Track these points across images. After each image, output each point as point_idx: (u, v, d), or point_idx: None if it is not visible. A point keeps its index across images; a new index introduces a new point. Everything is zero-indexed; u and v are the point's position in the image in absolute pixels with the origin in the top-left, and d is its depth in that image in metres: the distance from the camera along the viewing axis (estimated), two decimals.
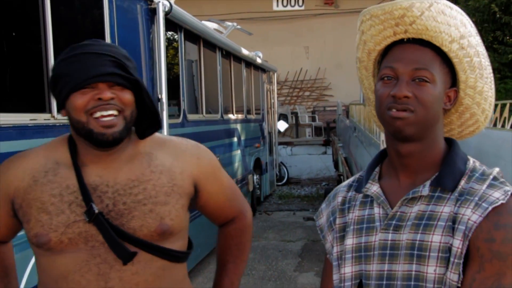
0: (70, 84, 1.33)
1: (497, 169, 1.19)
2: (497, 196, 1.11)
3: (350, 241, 1.27)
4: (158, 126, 1.50)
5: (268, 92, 10.73)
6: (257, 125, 9.45)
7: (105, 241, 1.36)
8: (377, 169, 1.33)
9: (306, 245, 7.10)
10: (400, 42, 1.20)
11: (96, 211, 1.35)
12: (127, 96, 1.37)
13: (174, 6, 4.70)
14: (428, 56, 1.17)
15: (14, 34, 2.82)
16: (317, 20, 17.86)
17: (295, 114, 16.10)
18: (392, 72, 1.18)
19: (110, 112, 1.34)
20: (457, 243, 1.11)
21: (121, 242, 1.36)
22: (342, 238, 1.31)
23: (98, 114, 1.33)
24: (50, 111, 2.99)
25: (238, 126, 7.91)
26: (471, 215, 1.11)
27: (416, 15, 1.13)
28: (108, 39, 3.64)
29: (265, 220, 8.77)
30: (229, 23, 9.57)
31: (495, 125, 9.24)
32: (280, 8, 17.90)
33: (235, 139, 7.66)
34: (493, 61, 15.04)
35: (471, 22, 1.18)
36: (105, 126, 1.33)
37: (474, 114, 1.27)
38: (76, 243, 1.36)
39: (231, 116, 7.52)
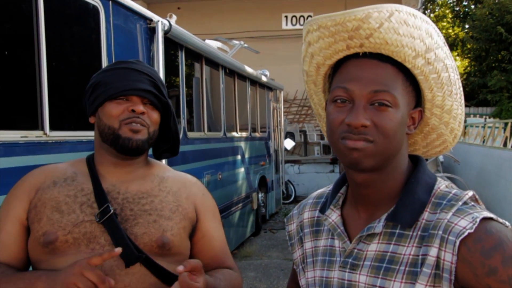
0: (109, 92, 1.45)
1: (470, 193, 1.02)
2: (464, 225, 0.93)
3: (315, 273, 1.17)
4: (175, 153, 1.66)
5: (275, 110, 10.73)
6: (262, 143, 9.43)
7: (112, 241, 1.39)
8: (343, 189, 1.18)
9: None
10: (355, 55, 1.02)
11: (112, 211, 1.41)
12: (155, 115, 1.51)
13: (174, 25, 4.74)
14: (389, 74, 1.00)
15: (6, 51, 2.84)
16: None
17: (303, 132, 16.07)
18: (346, 94, 1.01)
19: (139, 126, 1.46)
20: None
21: (129, 243, 1.39)
22: (312, 265, 1.21)
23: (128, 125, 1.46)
24: (42, 128, 2.97)
25: (242, 144, 7.90)
26: (443, 255, 0.94)
27: (374, 27, 0.96)
28: (104, 57, 3.67)
29: (269, 239, 8.71)
30: (236, 42, 9.64)
31: (505, 144, 9.14)
32: (289, 26, 17.96)
33: (239, 156, 7.65)
34: (501, 80, 15.05)
35: (438, 31, 1.01)
36: (133, 130, 1.45)
37: (441, 134, 1.13)
38: (79, 244, 1.39)
39: (234, 134, 7.52)
